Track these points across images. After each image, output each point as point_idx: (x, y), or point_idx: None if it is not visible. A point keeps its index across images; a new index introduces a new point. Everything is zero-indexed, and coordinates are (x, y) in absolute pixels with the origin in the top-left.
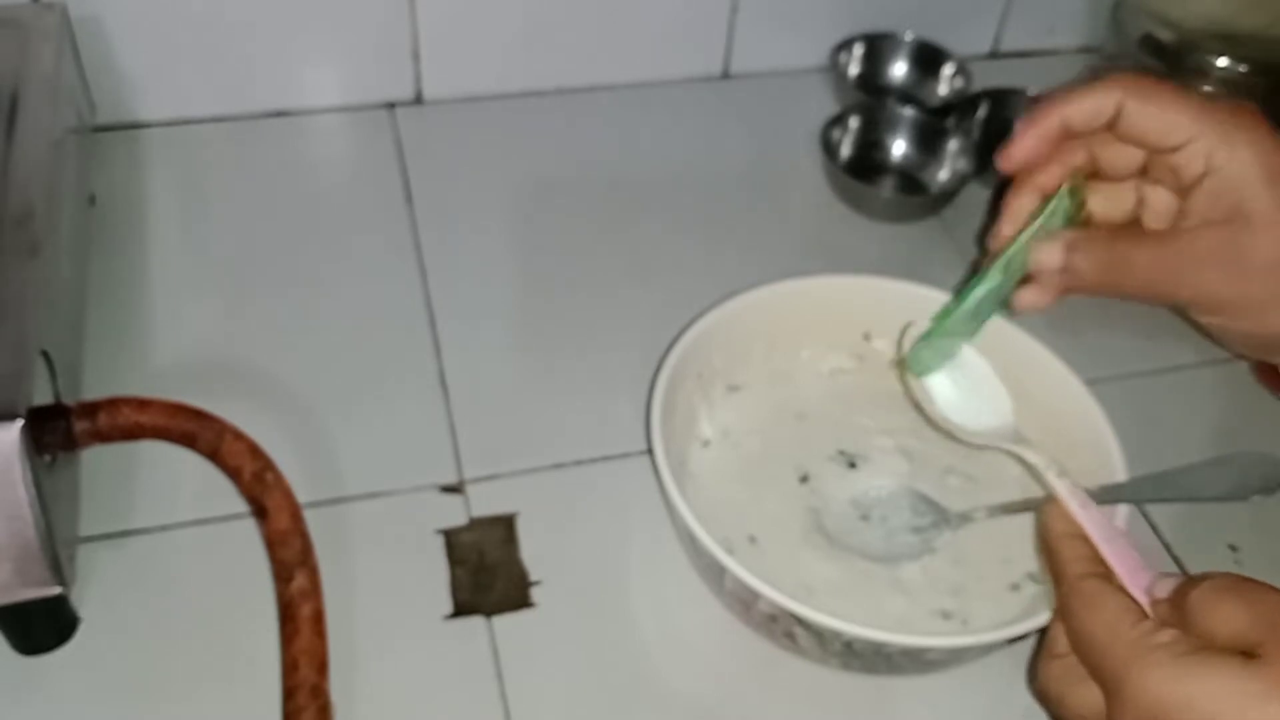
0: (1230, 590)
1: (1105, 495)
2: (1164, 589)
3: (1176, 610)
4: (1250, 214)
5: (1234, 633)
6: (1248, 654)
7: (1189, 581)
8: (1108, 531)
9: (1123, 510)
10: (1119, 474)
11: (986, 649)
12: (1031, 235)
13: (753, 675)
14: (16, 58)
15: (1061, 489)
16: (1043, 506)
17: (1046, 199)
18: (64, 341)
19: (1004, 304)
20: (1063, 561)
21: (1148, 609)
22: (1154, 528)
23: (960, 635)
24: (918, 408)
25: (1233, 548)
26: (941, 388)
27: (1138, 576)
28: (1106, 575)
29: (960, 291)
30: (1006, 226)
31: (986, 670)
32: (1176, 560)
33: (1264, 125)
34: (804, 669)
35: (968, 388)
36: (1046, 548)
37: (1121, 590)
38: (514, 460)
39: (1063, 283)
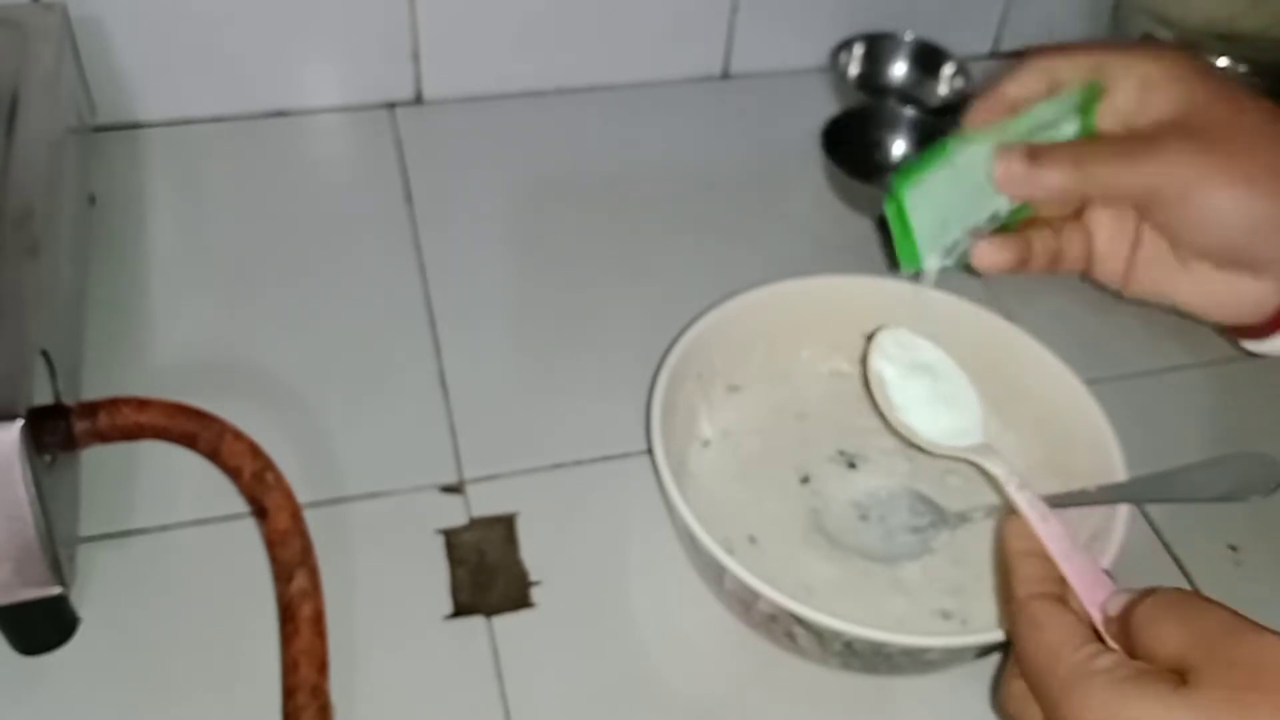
0: (1171, 608)
1: (1105, 495)
2: (1116, 606)
3: (1124, 628)
4: (1193, 101)
5: (1172, 654)
6: (1183, 676)
7: (1137, 598)
8: (1066, 546)
9: (1123, 510)
10: (1119, 474)
11: (986, 649)
12: (1030, 123)
13: (753, 675)
14: (16, 58)
15: (1021, 501)
16: (1002, 520)
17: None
18: (64, 341)
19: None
20: (1016, 580)
21: (1101, 626)
22: (1154, 528)
23: (960, 635)
24: (879, 413)
25: (1233, 548)
26: (910, 392)
27: (1095, 593)
28: (1059, 596)
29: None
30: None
31: (987, 670)
32: (1176, 560)
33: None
34: (804, 669)
35: (937, 394)
36: (1003, 564)
37: (1070, 612)
38: (514, 460)
39: (1025, 195)
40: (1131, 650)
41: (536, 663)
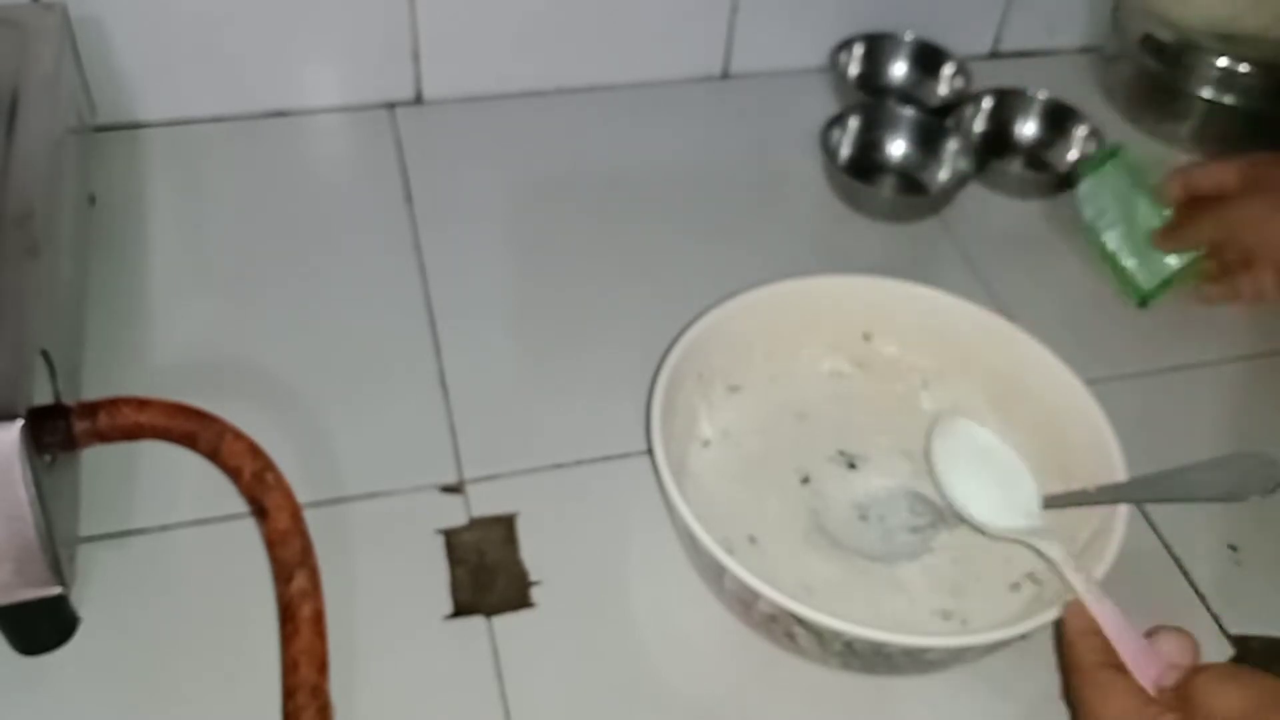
0: (1231, 677)
1: (1105, 495)
2: (1170, 679)
3: (1181, 698)
4: None
5: (1233, 713)
6: None
7: (1193, 672)
8: (1121, 625)
9: (1123, 510)
10: (1119, 474)
11: (986, 649)
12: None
13: (753, 675)
14: (16, 58)
15: (1079, 584)
16: (1065, 604)
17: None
18: (64, 341)
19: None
20: (1080, 654)
21: (1155, 696)
22: (1154, 528)
23: (960, 635)
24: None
25: (1233, 548)
26: (967, 475)
27: (1148, 669)
28: (1119, 666)
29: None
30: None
31: (986, 670)
32: (1176, 560)
33: None
34: (804, 669)
35: (994, 477)
36: (1066, 642)
37: (1132, 679)
38: (514, 460)
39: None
40: (1191, 717)
41: (536, 663)
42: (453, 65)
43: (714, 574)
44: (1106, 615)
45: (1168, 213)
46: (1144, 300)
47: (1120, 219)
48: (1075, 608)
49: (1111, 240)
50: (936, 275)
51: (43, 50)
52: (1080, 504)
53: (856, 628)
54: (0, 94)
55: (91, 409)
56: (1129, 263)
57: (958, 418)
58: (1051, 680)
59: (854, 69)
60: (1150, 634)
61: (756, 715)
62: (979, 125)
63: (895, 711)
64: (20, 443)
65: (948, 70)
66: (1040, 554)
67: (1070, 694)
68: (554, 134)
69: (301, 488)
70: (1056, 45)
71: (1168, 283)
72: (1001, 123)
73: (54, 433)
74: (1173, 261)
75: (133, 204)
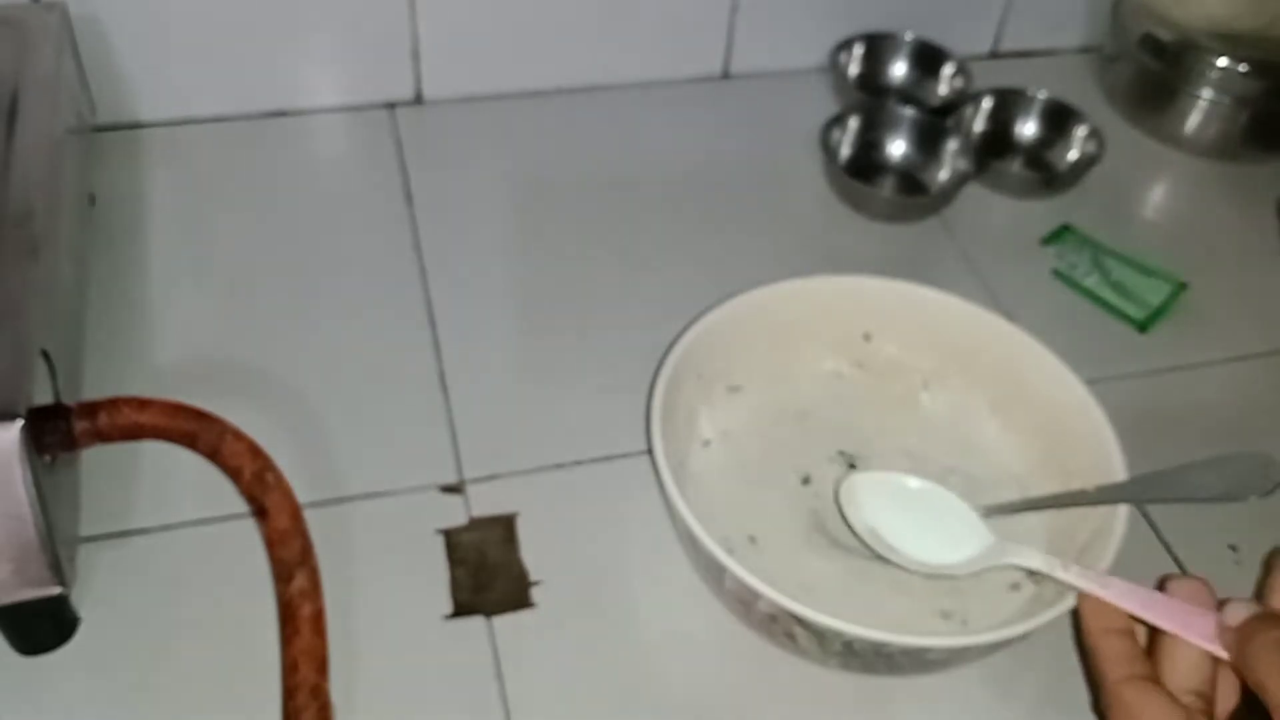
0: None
1: (1105, 495)
2: (1235, 616)
3: (1264, 622)
4: None
5: None
6: None
7: (1255, 620)
8: (1140, 597)
9: (1122, 510)
10: (1119, 474)
11: (986, 649)
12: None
13: (753, 675)
14: (16, 58)
15: (1075, 580)
16: (1078, 602)
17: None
18: (64, 341)
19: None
20: (1103, 661)
21: (1219, 650)
22: (1154, 528)
23: (960, 635)
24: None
25: (1233, 548)
26: (902, 530)
27: (1192, 627)
28: (1149, 677)
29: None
30: None
31: (986, 670)
32: (1176, 561)
33: None
34: (804, 669)
35: (928, 518)
36: (1089, 649)
37: (1162, 694)
38: (514, 460)
39: None
40: (1241, 662)
41: (536, 663)
42: (453, 65)
43: (714, 574)
44: (1121, 595)
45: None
46: (1143, 327)
47: (1093, 269)
48: (1088, 606)
49: (1091, 283)
50: (936, 275)
51: (43, 50)
52: (1080, 504)
53: (856, 628)
54: (0, 94)
55: (91, 409)
56: (1115, 301)
57: (857, 475)
58: (1051, 681)
59: (854, 69)
60: (1161, 589)
61: (756, 715)
62: (979, 125)
63: (895, 711)
64: (20, 443)
65: (948, 70)
66: (1024, 570)
67: (1101, 709)
68: (554, 134)
69: (301, 488)
70: (1056, 45)
71: (1159, 312)
72: (1001, 123)
73: (54, 433)
74: (1160, 293)
75: (133, 204)
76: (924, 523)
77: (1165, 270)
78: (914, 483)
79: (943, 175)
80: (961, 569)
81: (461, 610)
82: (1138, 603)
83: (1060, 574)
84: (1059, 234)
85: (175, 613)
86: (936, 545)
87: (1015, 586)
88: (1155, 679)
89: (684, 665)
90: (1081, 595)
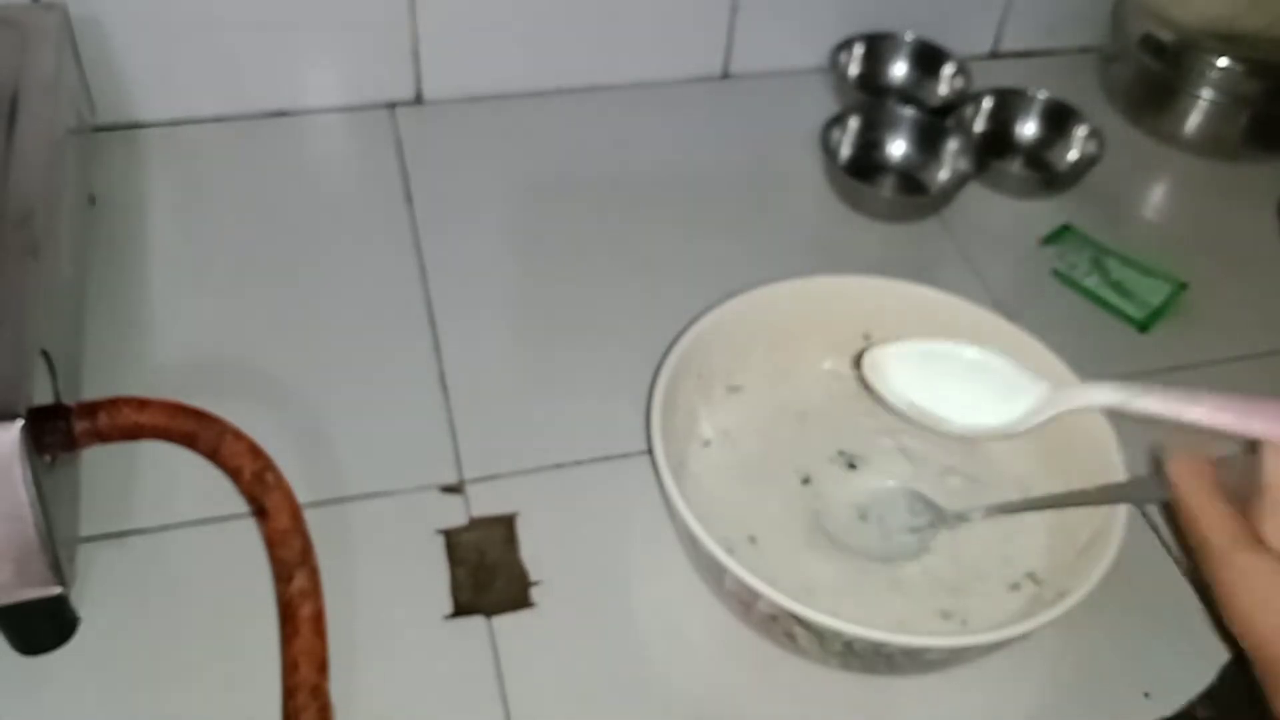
0: None
1: (1105, 495)
2: None
3: None
4: None
5: None
6: None
7: None
8: (1236, 406)
9: (1122, 510)
10: (1119, 474)
11: (986, 649)
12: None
13: (753, 675)
14: (16, 58)
15: (1156, 406)
16: (1170, 469)
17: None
18: (64, 341)
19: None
20: (1206, 528)
21: None
22: (1154, 527)
23: (960, 635)
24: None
25: None
26: (941, 399)
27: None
28: (1255, 539)
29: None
30: None
31: (986, 670)
32: (1177, 560)
33: None
34: (804, 669)
35: (967, 382)
36: (1186, 518)
37: (1273, 559)
38: (514, 460)
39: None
40: None
41: (536, 663)
42: (453, 65)
43: (714, 574)
44: (1215, 410)
45: (1137, 260)
46: (1143, 327)
47: (1093, 269)
48: (1180, 466)
49: (1091, 284)
50: (936, 275)
51: (43, 50)
52: (1080, 504)
53: (856, 628)
54: (0, 94)
55: (91, 409)
56: (1115, 301)
57: (873, 355)
58: (1051, 681)
59: (854, 69)
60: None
61: (756, 715)
62: (979, 125)
63: (895, 711)
64: (20, 443)
65: (948, 70)
66: (1087, 410)
67: (1201, 573)
68: (554, 134)
69: (301, 488)
70: (1056, 45)
71: (1159, 312)
72: (1001, 123)
73: (54, 433)
74: (1160, 293)
75: (133, 204)
76: (965, 386)
77: (1165, 270)
78: (941, 346)
79: (943, 175)
80: (1022, 425)
81: (461, 610)
82: (1233, 415)
83: (1139, 403)
84: (1059, 234)
85: (175, 613)
86: (988, 407)
87: (1015, 587)
88: (1259, 539)
89: (684, 665)
90: (1173, 461)
